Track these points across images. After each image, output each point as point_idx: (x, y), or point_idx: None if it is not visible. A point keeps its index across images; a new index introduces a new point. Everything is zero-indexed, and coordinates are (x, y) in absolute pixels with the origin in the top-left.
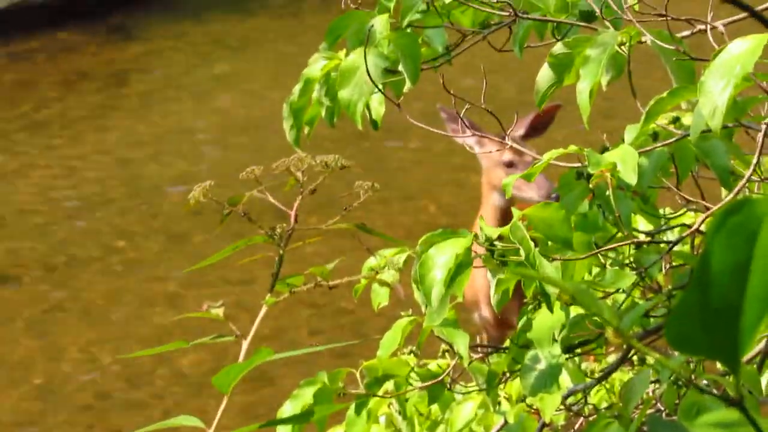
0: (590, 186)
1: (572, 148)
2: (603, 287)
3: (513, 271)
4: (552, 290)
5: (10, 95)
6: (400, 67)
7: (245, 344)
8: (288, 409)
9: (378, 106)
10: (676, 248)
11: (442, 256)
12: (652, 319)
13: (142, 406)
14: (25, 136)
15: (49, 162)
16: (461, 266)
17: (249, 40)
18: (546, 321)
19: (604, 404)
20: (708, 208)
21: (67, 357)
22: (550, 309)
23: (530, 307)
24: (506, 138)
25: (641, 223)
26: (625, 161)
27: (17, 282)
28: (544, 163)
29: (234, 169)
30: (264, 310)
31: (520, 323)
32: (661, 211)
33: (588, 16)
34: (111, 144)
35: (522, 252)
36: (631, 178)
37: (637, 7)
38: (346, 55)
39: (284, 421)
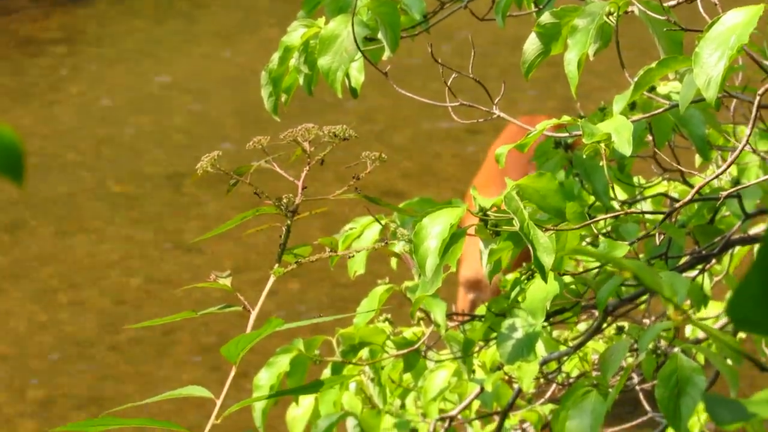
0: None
1: (566, 118)
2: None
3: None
4: (547, 261)
5: None
6: (380, 35)
7: (254, 314)
8: (264, 376)
9: (357, 74)
10: (650, 217)
11: (436, 226)
12: (623, 288)
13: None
14: None
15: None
16: (455, 236)
17: (198, 3)
18: (540, 291)
19: (576, 372)
20: (684, 177)
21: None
22: (545, 279)
23: (523, 277)
24: (494, 108)
25: (617, 192)
26: (619, 132)
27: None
28: (537, 132)
29: (185, 131)
30: (272, 280)
31: (513, 294)
32: (635, 180)
33: None
34: (67, 107)
35: (516, 222)
36: (626, 149)
37: None
38: (326, 23)
39: (296, 392)
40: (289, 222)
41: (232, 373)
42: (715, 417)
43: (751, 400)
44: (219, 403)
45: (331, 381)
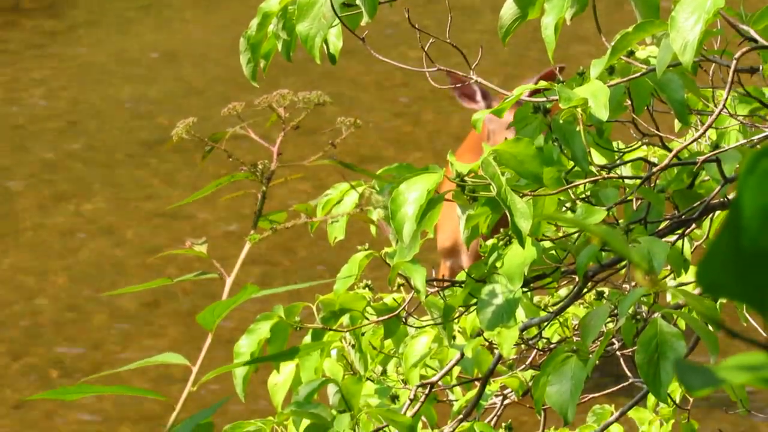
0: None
1: (542, 83)
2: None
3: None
4: (524, 226)
5: None
6: (358, 1)
7: (229, 281)
8: (244, 343)
9: (336, 41)
10: (629, 182)
11: (413, 192)
12: (603, 254)
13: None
14: None
15: None
16: (432, 202)
17: None
18: (517, 257)
19: (557, 337)
20: (663, 142)
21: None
22: (522, 245)
23: (501, 242)
24: (471, 72)
25: (595, 157)
26: (596, 97)
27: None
28: (514, 98)
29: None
30: (247, 246)
31: (490, 259)
32: (614, 145)
33: None
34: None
35: (493, 187)
36: (603, 114)
37: None
38: None
39: (270, 359)
40: (264, 188)
41: (208, 340)
42: (685, 383)
43: (722, 366)
44: (195, 370)
45: (308, 347)
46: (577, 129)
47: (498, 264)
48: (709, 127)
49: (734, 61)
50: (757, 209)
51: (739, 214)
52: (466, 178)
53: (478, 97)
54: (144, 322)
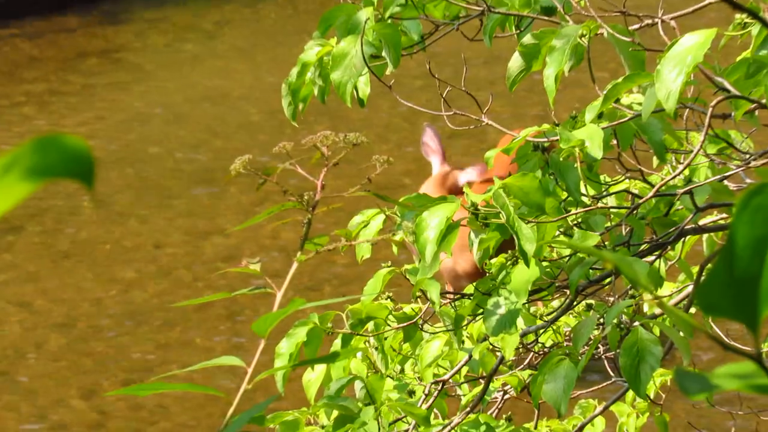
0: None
1: (545, 126)
2: (573, 246)
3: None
4: (529, 248)
5: (17, 70)
6: (384, 53)
7: (279, 294)
8: (284, 345)
9: (364, 87)
10: (614, 210)
11: (434, 219)
12: (591, 271)
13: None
14: (31, 109)
15: (54, 129)
16: (450, 227)
17: (223, 23)
18: (523, 274)
19: (551, 342)
20: (644, 176)
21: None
22: (527, 265)
23: (509, 262)
24: (483, 117)
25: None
26: (592, 138)
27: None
28: (521, 138)
29: (213, 133)
30: (295, 265)
31: (500, 277)
32: (601, 178)
33: (549, 11)
34: (107, 112)
35: (503, 215)
36: (598, 153)
37: (582, 4)
38: (337, 42)
39: (315, 361)
40: (309, 216)
41: (261, 345)
42: (684, 388)
43: (715, 374)
44: (250, 370)
45: (345, 353)
46: (575, 165)
47: (506, 281)
48: (687, 166)
49: (710, 109)
50: (748, 241)
51: (733, 245)
52: (479, 207)
53: (434, 156)
54: (198, 327)
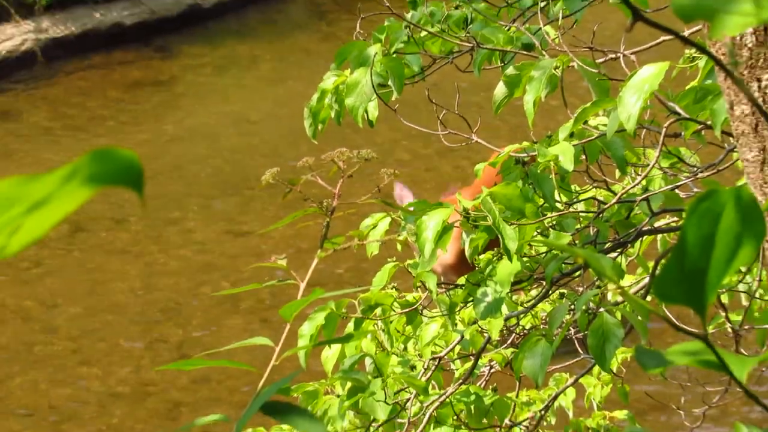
0: (525, 169)
1: (525, 143)
2: (548, 244)
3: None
4: (512, 246)
5: (85, 98)
6: (390, 82)
7: (303, 285)
8: (306, 327)
9: (373, 110)
10: (583, 214)
11: (432, 221)
12: (564, 265)
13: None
14: (97, 129)
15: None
16: (445, 229)
17: (254, 58)
18: (506, 268)
19: (530, 325)
20: (608, 186)
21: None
22: (510, 260)
23: (495, 258)
24: (473, 135)
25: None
26: (565, 154)
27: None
28: (504, 154)
29: (245, 150)
30: (315, 261)
31: (487, 270)
32: (572, 187)
33: (528, 47)
34: (160, 133)
35: (490, 218)
36: (569, 166)
37: (557, 41)
38: (350, 73)
39: (332, 341)
40: (328, 219)
41: (287, 328)
42: (643, 363)
43: (669, 351)
44: (278, 348)
45: (357, 334)
46: (550, 176)
47: (492, 273)
48: (645, 177)
49: (664, 129)
50: (697, 239)
51: (684, 243)
52: (470, 211)
53: (401, 199)
54: (231, 312)
